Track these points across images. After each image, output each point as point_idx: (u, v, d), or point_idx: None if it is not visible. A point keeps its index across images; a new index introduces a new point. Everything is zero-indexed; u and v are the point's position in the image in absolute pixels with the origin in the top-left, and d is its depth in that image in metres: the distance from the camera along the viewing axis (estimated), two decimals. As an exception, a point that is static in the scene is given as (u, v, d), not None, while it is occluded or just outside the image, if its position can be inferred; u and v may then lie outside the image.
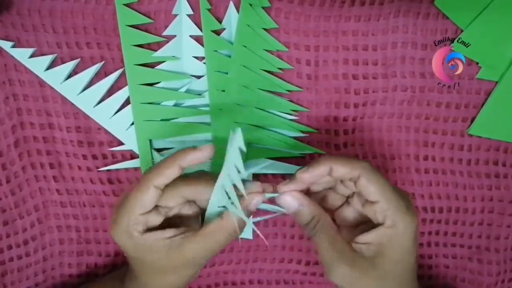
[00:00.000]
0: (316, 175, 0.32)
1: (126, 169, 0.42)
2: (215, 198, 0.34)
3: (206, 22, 0.39)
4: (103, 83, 0.40)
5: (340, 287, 0.33)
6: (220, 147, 0.41)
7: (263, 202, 0.34)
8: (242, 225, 0.34)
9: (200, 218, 0.36)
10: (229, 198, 0.34)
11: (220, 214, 0.34)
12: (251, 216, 0.36)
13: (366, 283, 0.32)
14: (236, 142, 0.29)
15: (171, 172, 0.33)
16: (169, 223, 0.35)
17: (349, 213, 0.35)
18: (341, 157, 0.32)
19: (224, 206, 0.34)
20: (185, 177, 0.35)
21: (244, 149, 0.30)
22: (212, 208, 0.35)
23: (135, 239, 0.33)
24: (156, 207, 0.34)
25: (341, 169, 0.32)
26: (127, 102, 0.40)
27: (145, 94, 0.40)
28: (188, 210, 0.36)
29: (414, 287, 0.34)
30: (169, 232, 0.34)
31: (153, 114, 0.40)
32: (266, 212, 0.36)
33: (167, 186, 0.33)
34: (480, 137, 0.41)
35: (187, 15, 0.39)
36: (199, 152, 0.33)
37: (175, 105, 0.41)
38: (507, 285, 0.44)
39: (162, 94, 0.40)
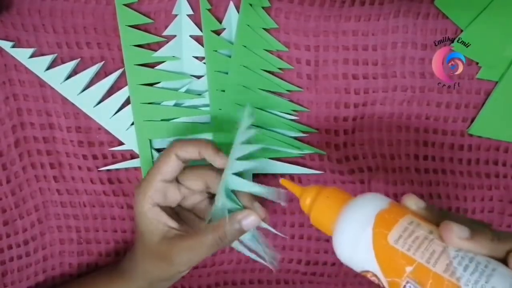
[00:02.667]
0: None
1: (126, 169, 0.42)
2: (219, 196, 0.34)
3: (206, 22, 0.39)
4: (103, 83, 0.40)
5: None
6: (220, 146, 0.41)
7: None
8: (231, 236, 0.35)
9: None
10: (230, 200, 0.35)
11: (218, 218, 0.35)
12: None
13: None
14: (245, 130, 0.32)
15: (193, 148, 0.35)
16: (180, 216, 0.37)
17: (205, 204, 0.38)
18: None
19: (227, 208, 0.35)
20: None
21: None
22: (216, 208, 0.35)
23: (145, 208, 0.35)
24: (177, 183, 0.36)
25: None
26: (127, 102, 0.41)
27: (145, 94, 0.40)
28: (205, 205, 0.38)
29: None
30: (172, 222, 0.36)
31: (153, 114, 0.40)
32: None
33: (190, 168, 0.36)
34: (480, 137, 0.41)
35: (187, 15, 0.39)
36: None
37: (175, 105, 0.41)
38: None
39: (162, 94, 0.40)
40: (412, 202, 0.27)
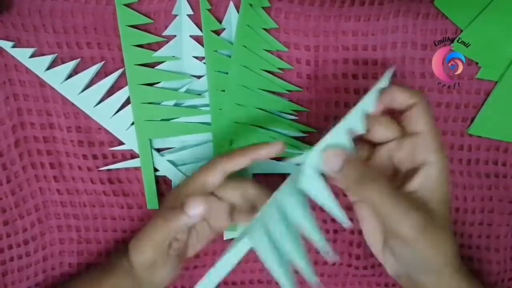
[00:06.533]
0: (384, 100, 0.31)
1: (127, 169, 0.42)
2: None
3: (206, 22, 0.39)
4: (103, 83, 0.40)
5: (405, 244, 0.30)
6: (220, 146, 0.41)
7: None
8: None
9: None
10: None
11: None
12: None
13: (432, 233, 0.30)
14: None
15: (242, 161, 0.34)
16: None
17: (378, 163, 0.33)
18: (399, 86, 0.31)
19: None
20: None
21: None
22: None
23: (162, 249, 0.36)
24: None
25: (402, 94, 0.30)
26: (127, 102, 0.41)
27: (145, 94, 0.40)
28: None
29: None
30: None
31: (153, 114, 0.41)
32: None
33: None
34: (480, 137, 0.41)
35: (187, 15, 0.39)
36: (272, 148, 0.34)
37: (175, 105, 0.41)
38: (507, 285, 0.44)
39: (162, 94, 0.40)
40: None
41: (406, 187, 0.31)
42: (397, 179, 0.32)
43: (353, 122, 0.30)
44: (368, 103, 0.30)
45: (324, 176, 0.30)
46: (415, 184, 0.30)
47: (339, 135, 0.30)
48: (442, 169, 0.30)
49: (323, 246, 0.29)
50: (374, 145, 0.33)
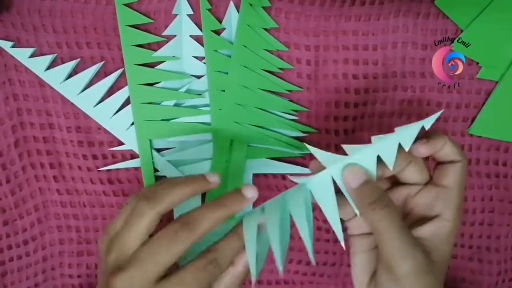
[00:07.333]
0: (434, 148, 0.31)
1: (126, 169, 0.42)
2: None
3: (206, 22, 0.39)
4: (103, 83, 0.40)
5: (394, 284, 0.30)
6: (220, 146, 0.41)
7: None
8: None
9: None
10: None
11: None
12: None
13: (427, 280, 0.29)
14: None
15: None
16: None
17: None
18: (451, 138, 0.31)
19: None
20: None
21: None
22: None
23: None
24: None
25: (451, 149, 0.31)
26: (127, 102, 0.40)
27: (145, 94, 0.40)
28: None
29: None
30: None
31: (153, 114, 0.40)
32: None
33: None
34: (480, 137, 0.41)
35: (187, 15, 0.39)
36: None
37: (175, 105, 0.41)
38: (507, 285, 0.44)
39: (162, 94, 0.40)
40: None
41: (415, 231, 0.31)
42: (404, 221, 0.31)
43: (385, 151, 0.30)
44: (406, 137, 0.30)
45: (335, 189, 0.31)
46: (426, 231, 0.30)
47: (366, 158, 0.30)
48: (455, 228, 0.31)
49: (309, 249, 0.30)
50: (393, 183, 0.33)
